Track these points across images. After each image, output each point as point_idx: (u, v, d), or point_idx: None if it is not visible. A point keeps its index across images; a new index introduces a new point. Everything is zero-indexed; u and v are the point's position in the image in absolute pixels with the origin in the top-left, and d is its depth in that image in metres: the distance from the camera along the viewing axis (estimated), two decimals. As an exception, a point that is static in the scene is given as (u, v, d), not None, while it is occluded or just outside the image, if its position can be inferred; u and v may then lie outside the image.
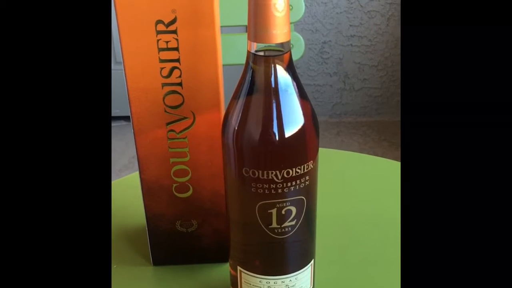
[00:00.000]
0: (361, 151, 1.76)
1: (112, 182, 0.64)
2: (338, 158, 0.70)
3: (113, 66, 1.79)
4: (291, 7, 0.84)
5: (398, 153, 1.76)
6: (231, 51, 0.83)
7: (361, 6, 1.80)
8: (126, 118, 1.90)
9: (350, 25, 1.82)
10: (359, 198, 0.62)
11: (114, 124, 1.90)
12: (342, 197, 0.62)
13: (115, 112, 1.88)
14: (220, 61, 0.45)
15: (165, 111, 0.45)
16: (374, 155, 1.76)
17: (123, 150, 1.75)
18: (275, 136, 0.38)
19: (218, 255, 0.51)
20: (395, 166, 0.67)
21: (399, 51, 1.85)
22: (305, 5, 1.18)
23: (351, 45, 1.85)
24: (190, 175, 0.48)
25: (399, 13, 1.80)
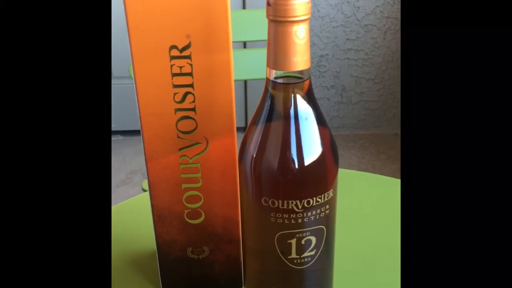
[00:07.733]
0: (360, 164, 1.75)
1: (119, 205, 0.63)
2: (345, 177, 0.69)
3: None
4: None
5: (396, 166, 1.75)
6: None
7: (358, 20, 1.80)
8: (123, 133, 1.88)
9: (347, 39, 1.82)
10: (370, 222, 0.61)
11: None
12: (355, 222, 0.61)
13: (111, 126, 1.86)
14: (233, 85, 0.44)
15: (178, 136, 0.45)
16: (373, 168, 1.76)
17: (120, 165, 1.73)
18: (296, 164, 0.37)
19: (230, 282, 0.50)
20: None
21: (395, 65, 1.86)
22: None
23: (348, 58, 1.85)
24: (202, 201, 0.47)
25: (396, 27, 1.81)
